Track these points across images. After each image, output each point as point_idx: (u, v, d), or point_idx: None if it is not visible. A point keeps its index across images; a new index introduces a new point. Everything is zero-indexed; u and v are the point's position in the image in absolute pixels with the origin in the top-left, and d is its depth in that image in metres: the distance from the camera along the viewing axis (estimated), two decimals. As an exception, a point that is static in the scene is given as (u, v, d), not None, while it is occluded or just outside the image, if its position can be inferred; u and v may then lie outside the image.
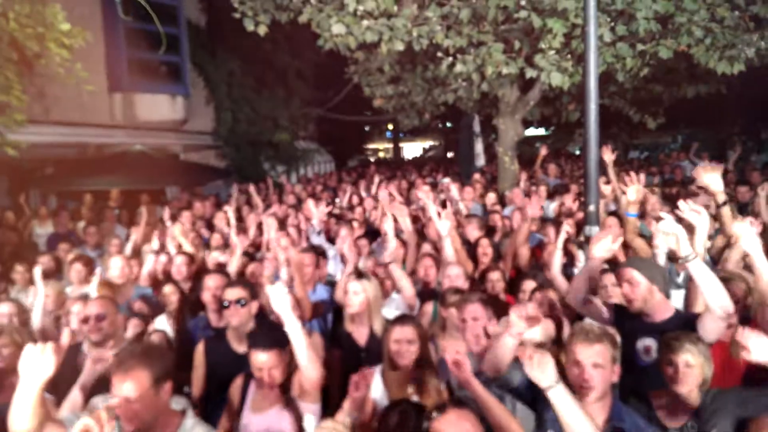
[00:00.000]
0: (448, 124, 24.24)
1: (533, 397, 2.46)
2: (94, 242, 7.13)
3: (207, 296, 3.84)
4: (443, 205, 6.92)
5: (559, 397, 2.17)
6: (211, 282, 3.87)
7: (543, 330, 3.14)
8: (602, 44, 6.86)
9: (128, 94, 11.17)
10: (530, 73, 7.19)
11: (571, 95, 10.40)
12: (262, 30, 8.35)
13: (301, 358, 2.65)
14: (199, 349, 3.43)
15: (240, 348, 3.34)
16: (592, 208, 4.72)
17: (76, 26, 6.41)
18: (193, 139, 13.72)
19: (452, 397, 2.88)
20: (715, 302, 2.74)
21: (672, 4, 6.79)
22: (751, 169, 9.37)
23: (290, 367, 2.77)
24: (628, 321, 3.11)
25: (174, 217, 7.17)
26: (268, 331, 2.89)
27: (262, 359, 2.71)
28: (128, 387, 2.21)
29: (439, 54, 7.70)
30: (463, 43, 7.42)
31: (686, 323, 2.89)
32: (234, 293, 3.38)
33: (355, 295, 3.58)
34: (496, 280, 4.36)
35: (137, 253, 5.89)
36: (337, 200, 9.24)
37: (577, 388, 2.35)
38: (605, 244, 3.16)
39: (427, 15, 7.31)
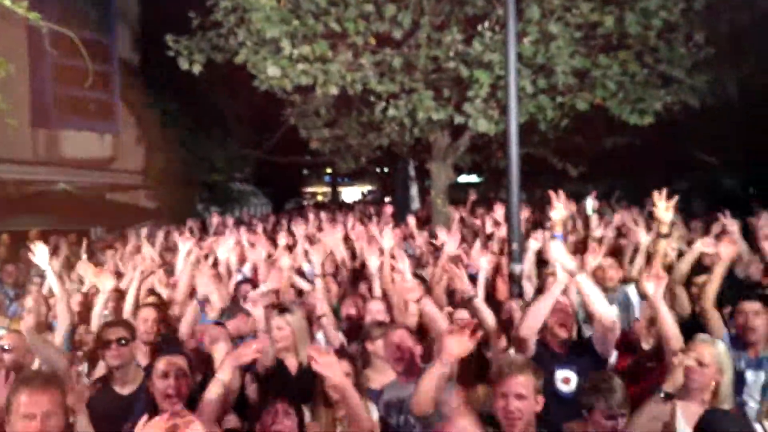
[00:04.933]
0: (386, 169, 24.71)
1: None
2: (12, 281, 6.81)
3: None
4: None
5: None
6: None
7: None
8: (525, 95, 7.26)
9: (53, 130, 10.81)
10: (458, 119, 7.51)
11: (499, 143, 10.87)
12: (197, 69, 8.38)
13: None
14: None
15: (124, 390, 3.29)
16: (515, 246, 4.92)
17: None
18: (121, 179, 13.34)
19: None
20: (601, 312, 3.07)
21: (588, 60, 7.33)
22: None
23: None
24: (545, 352, 3.25)
25: (93, 256, 6.98)
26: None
27: (171, 362, 2.76)
28: (47, 400, 2.18)
29: (373, 99, 7.93)
30: (396, 89, 7.69)
31: (589, 349, 3.09)
32: (114, 333, 3.30)
33: (279, 330, 3.58)
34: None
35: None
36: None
37: (503, 420, 2.40)
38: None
39: (361, 62, 7.55)
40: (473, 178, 23.54)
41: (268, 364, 3.20)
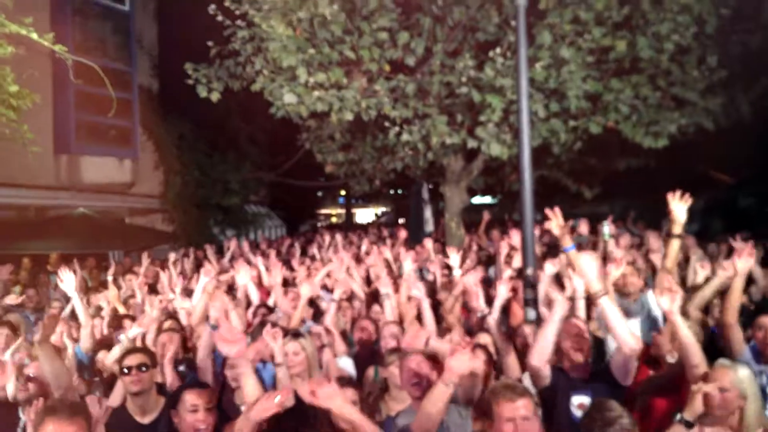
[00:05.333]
0: (399, 191, 24.84)
1: None
2: (33, 305, 6.95)
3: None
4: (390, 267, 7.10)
5: None
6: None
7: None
8: (537, 119, 7.34)
9: (75, 156, 11.07)
10: (471, 143, 7.59)
11: (512, 166, 10.92)
12: (215, 97, 8.55)
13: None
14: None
15: (144, 419, 3.30)
16: (529, 271, 4.92)
17: (25, 88, 6.40)
18: (139, 203, 13.57)
19: None
20: (622, 339, 3.00)
21: (600, 84, 7.39)
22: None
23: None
24: (562, 378, 3.25)
25: (116, 281, 7.08)
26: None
27: (200, 395, 2.77)
28: (73, 431, 2.23)
29: (387, 124, 8.04)
30: (410, 114, 7.80)
31: (607, 374, 3.08)
32: (135, 359, 3.34)
33: (296, 355, 3.62)
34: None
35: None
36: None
37: None
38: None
39: (375, 88, 7.68)
40: (488, 200, 23.59)
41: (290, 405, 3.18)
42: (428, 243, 8.82)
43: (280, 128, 13.34)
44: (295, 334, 3.79)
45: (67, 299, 6.42)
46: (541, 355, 3.18)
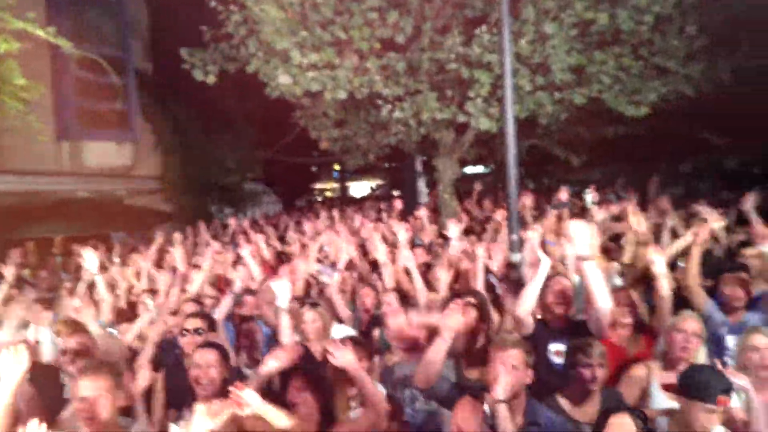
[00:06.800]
0: (393, 164, 25.05)
1: None
2: (46, 286, 7.27)
3: None
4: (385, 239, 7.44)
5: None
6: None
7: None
8: (524, 93, 7.62)
9: (76, 141, 11.30)
10: (461, 118, 7.88)
11: (503, 137, 11.19)
12: (211, 80, 8.78)
13: None
14: (158, 378, 3.68)
15: None
16: (514, 237, 5.30)
17: (29, 78, 6.64)
18: (140, 184, 13.81)
19: None
20: (598, 299, 3.35)
21: (583, 57, 7.65)
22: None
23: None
24: (542, 329, 3.63)
25: (123, 260, 7.41)
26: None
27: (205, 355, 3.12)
28: (90, 386, 2.54)
29: (379, 101, 8.29)
30: (401, 91, 8.06)
31: (581, 326, 3.47)
32: (192, 323, 3.71)
33: (313, 322, 4.00)
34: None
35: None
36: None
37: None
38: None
39: (366, 66, 7.91)
40: (480, 169, 23.87)
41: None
42: (421, 213, 9.12)
43: (274, 107, 13.50)
44: (313, 304, 4.18)
45: (75, 280, 6.77)
46: (525, 306, 3.58)
